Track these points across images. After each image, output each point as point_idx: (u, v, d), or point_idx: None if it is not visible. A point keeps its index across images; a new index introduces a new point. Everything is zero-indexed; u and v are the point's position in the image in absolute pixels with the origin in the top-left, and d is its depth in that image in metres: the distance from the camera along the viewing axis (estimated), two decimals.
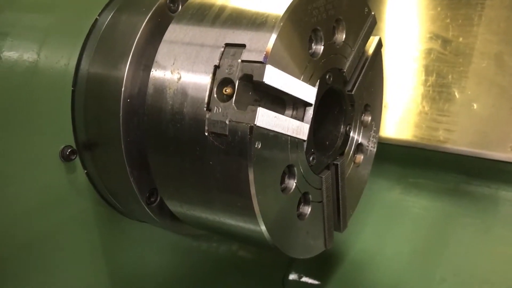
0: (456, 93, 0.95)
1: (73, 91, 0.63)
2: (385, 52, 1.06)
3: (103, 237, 0.70)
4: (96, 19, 0.64)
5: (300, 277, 1.11)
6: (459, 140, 0.92)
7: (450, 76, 0.96)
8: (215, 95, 0.51)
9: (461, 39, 0.97)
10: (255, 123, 0.48)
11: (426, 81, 0.99)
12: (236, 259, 0.98)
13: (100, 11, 0.65)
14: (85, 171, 0.66)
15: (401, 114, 1.01)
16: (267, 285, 1.10)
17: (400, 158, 1.07)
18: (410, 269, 1.02)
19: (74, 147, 0.64)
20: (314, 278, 1.09)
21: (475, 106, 0.92)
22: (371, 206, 1.09)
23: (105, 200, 0.69)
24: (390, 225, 1.07)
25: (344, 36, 0.62)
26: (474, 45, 0.95)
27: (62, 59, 0.61)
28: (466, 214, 1.02)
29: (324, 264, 1.10)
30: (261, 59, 0.49)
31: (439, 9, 1.01)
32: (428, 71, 0.99)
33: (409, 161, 1.06)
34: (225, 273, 0.98)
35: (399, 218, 1.07)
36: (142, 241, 0.76)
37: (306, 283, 1.11)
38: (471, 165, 0.97)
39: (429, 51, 1.01)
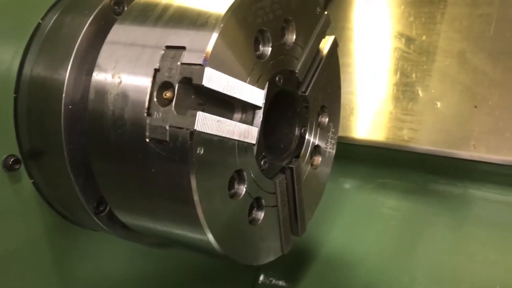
0: (420, 92, 0.94)
1: (15, 98, 0.60)
2: (353, 51, 1.05)
3: (54, 248, 0.68)
4: (39, 23, 0.62)
5: (270, 281, 1.09)
6: (423, 139, 0.91)
7: (414, 75, 0.95)
8: (155, 100, 0.49)
9: (424, 37, 0.96)
10: (194, 127, 0.46)
11: (390, 80, 0.98)
12: (202, 265, 0.96)
13: (43, 14, 0.62)
14: (32, 180, 0.63)
15: (367, 114, 1.00)
16: None
17: (368, 159, 1.06)
18: (380, 268, 1.01)
19: (19, 156, 0.61)
20: (284, 280, 1.08)
21: (438, 104, 0.92)
22: (341, 207, 1.08)
23: (55, 210, 0.66)
24: (359, 226, 1.07)
25: (294, 36, 0.60)
26: (437, 43, 0.95)
27: (2, 64, 0.59)
28: (435, 213, 1.01)
29: (294, 266, 1.08)
30: (200, 61, 0.47)
31: (402, 7, 1.01)
32: (392, 70, 0.99)
33: (377, 161, 1.05)
34: (192, 281, 0.96)
35: (369, 219, 1.06)
36: (97, 251, 0.74)
37: (276, 285, 1.09)
38: (437, 164, 0.97)
39: (394, 50, 1.00)
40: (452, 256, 0.97)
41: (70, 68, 0.56)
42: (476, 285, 0.92)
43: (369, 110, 1.00)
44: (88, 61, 0.57)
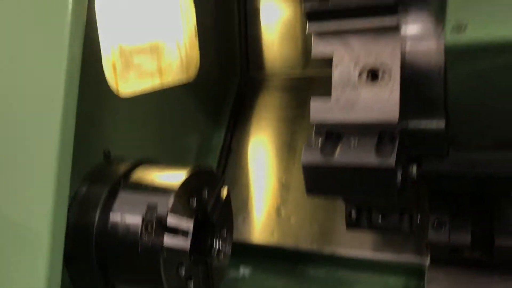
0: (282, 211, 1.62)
1: None
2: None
3: None
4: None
5: None
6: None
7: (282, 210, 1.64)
8: (144, 229, 1.09)
9: None
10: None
11: (268, 207, 1.65)
12: None
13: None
14: None
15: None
16: None
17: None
18: None
19: None
20: None
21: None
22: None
23: None
24: None
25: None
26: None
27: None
28: None
29: None
30: (165, 212, 1.09)
31: None
32: (268, 200, 1.66)
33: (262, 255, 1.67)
34: None
35: None
36: None
37: None
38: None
39: (270, 188, 1.68)
40: None
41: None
42: None
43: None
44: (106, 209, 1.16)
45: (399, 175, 0.91)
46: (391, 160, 0.88)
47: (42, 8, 0.95)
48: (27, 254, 0.93)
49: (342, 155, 0.91)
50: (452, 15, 0.79)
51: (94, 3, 1.15)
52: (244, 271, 1.64)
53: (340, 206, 1.51)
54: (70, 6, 0.93)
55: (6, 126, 0.96)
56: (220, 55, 1.87)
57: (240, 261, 1.59)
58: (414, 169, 1.05)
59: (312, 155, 0.94)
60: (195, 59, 1.71)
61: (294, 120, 1.75)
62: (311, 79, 1.87)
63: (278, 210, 1.64)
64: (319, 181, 0.95)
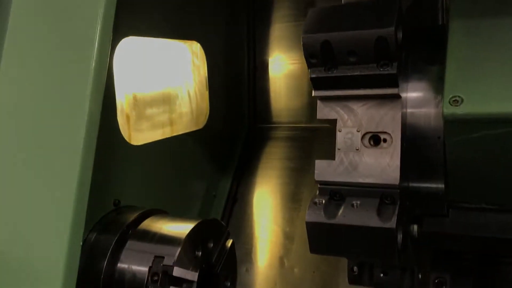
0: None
1: None
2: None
3: None
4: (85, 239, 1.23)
5: None
6: None
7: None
8: (149, 279, 1.12)
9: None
10: None
11: (272, 256, 1.67)
12: None
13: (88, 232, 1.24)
14: None
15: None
16: None
17: None
18: None
19: None
20: None
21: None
22: None
23: None
24: None
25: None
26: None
27: None
28: None
29: None
30: (171, 263, 1.11)
31: None
32: (272, 250, 1.68)
33: None
34: None
35: None
36: None
37: None
38: None
39: (274, 238, 1.71)
40: None
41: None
42: None
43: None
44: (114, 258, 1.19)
45: (400, 237, 0.94)
46: (392, 223, 0.91)
47: (66, 68, 1.01)
48: None
49: (345, 216, 0.94)
50: (449, 89, 0.85)
51: (112, 57, 1.22)
52: None
53: (343, 260, 1.54)
54: (93, 65, 0.99)
55: (27, 173, 1.00)
56: (229, 106, 1.94)
57: None
58: (415, 229, 1.08)
59: (316, 215, 0.97)
60: (205, 110, 1.78)
61: (299, 171, 1.80)
62: (317, 129, 1.93)
63: (281, 261, 1.66)
64: (322, 239, 0.98)
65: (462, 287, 1.21)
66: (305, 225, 1.56)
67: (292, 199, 1.75)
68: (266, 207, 1.78)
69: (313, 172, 1.03)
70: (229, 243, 1.35)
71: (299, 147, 1.92)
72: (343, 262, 1.48)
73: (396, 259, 0.94)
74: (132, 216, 1.27)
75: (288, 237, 1.69)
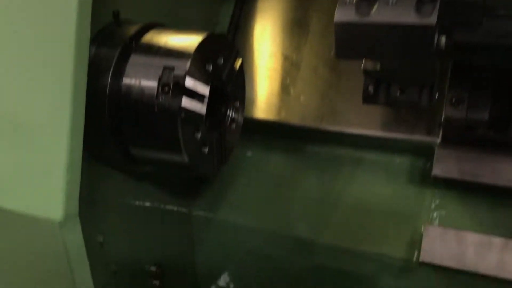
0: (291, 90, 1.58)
1: None
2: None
3: None
4: None
5: None
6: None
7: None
8: (160, 91, 1.05)
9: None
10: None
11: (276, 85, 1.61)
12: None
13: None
14: None
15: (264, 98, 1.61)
16: None
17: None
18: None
19: None
20: None
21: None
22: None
23: None
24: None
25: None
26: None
27: None
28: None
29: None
30: (182, 74, 1.04)
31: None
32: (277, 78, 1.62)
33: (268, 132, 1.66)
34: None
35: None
36: None
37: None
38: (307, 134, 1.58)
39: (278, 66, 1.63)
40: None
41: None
42: None
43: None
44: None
45: (438, 37, 0.86)
46: (432, 19, 0.83)
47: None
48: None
49: (379, 13, 0.85)
50: None
51: None
52: (247, 147, 1.63)
53: (353, 86, 1.49)
54: None
55: None
56: None
57: (245, 138, 1.55)
58: (443, 39, 1.01)
59: (346, 13, 0.88)
60: None
61: None
62: None
63: (287, 89, 1.60)
64: (352, 41, 0.90)
65: (479, 104, 1.18)
66: (312, 53, 1.48)
67: (299, 25, 1.64)
68: (271, 34, 1.67)
69: None
70: (239, 62, 1.27)
71: None
72: (354, 89, 1.43)
73: (431, 62, 0.87)
74: (135, 28, 1.16)
75: (294, 65, 1.61)
